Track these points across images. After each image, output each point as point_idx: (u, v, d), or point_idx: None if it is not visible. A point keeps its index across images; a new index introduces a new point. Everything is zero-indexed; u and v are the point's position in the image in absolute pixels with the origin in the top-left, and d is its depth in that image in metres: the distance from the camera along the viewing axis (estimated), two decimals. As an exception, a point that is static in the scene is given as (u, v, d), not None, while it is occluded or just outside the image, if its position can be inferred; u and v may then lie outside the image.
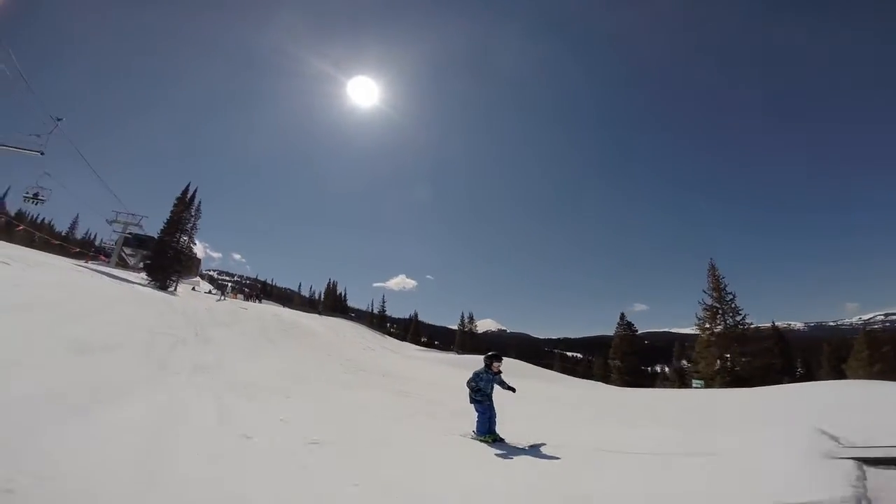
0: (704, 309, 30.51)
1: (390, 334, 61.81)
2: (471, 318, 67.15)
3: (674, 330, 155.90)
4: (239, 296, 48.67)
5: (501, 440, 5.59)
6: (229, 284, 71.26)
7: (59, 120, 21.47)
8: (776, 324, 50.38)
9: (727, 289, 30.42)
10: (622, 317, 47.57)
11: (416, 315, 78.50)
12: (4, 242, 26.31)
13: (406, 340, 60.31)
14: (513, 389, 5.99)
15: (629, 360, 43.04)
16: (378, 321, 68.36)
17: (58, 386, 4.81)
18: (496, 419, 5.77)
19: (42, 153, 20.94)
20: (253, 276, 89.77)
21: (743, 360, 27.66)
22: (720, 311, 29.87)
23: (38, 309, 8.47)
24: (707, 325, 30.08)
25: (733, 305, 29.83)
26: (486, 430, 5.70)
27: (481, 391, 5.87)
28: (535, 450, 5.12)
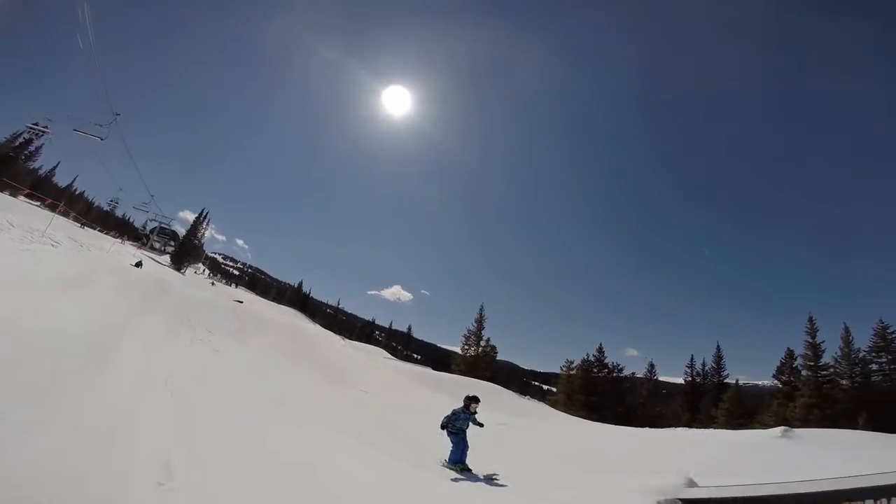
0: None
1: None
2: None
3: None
4: (224, 280, 75.20)
5: (469, 470, 6.30)
6: (218, 275, 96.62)
7: (117, 115, 24.18)
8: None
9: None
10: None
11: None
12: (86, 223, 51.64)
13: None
14: (481, 425, 6.83)
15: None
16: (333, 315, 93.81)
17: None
18: (467, 452, 6.47)
19: (102, 139, 24.61)
20: (253, 264, 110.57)
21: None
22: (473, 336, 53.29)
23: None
24: (467, 346, 53.17)
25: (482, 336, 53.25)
26: (458, 460, 6.39)
27: (458, 427, 6.59)
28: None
